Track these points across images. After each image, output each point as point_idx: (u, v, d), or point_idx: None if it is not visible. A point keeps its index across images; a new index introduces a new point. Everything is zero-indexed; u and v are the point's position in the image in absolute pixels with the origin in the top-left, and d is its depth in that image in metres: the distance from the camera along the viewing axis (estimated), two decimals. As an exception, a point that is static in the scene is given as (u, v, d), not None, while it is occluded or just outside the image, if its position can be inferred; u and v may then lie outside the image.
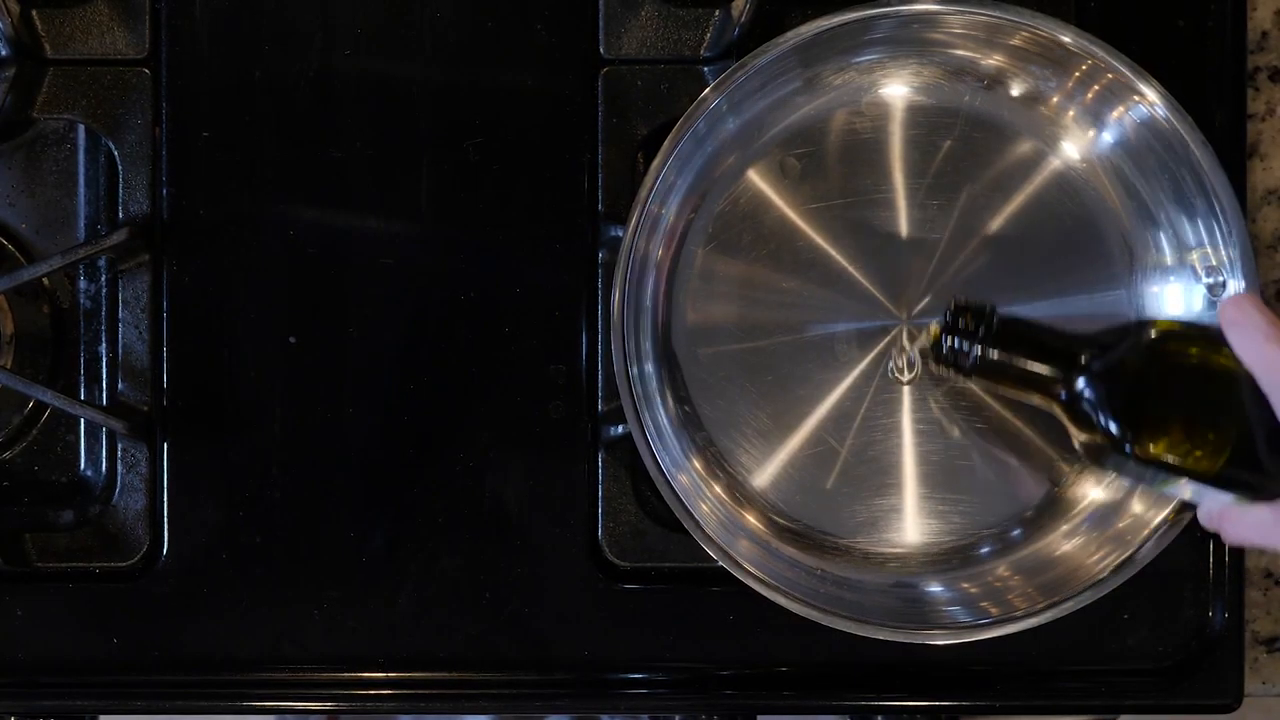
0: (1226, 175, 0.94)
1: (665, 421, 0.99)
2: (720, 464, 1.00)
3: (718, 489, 1.00)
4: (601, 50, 1.01)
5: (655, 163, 0.94)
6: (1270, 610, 1.06)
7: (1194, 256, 0.97)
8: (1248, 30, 1.03)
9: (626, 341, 0.95)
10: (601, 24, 1.01)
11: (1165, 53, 1.01)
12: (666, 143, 0.94)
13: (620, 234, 0.96)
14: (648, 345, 0.99)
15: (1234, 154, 1.02)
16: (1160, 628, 1.02)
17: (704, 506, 0.97)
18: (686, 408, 1.00)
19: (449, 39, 1.01)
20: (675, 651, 1.01)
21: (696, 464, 0.99)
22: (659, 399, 0.99)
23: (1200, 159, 0.94)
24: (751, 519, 1.00)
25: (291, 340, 1.01)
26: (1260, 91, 1.05)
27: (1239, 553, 1.02)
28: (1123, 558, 0.95)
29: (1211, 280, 0.96)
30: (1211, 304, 0.96)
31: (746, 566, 0.95)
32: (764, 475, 1.00)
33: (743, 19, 0.98)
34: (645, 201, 0.94)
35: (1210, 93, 1.01)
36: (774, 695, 1.02)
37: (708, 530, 0.94)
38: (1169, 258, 0.99)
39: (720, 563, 0.94)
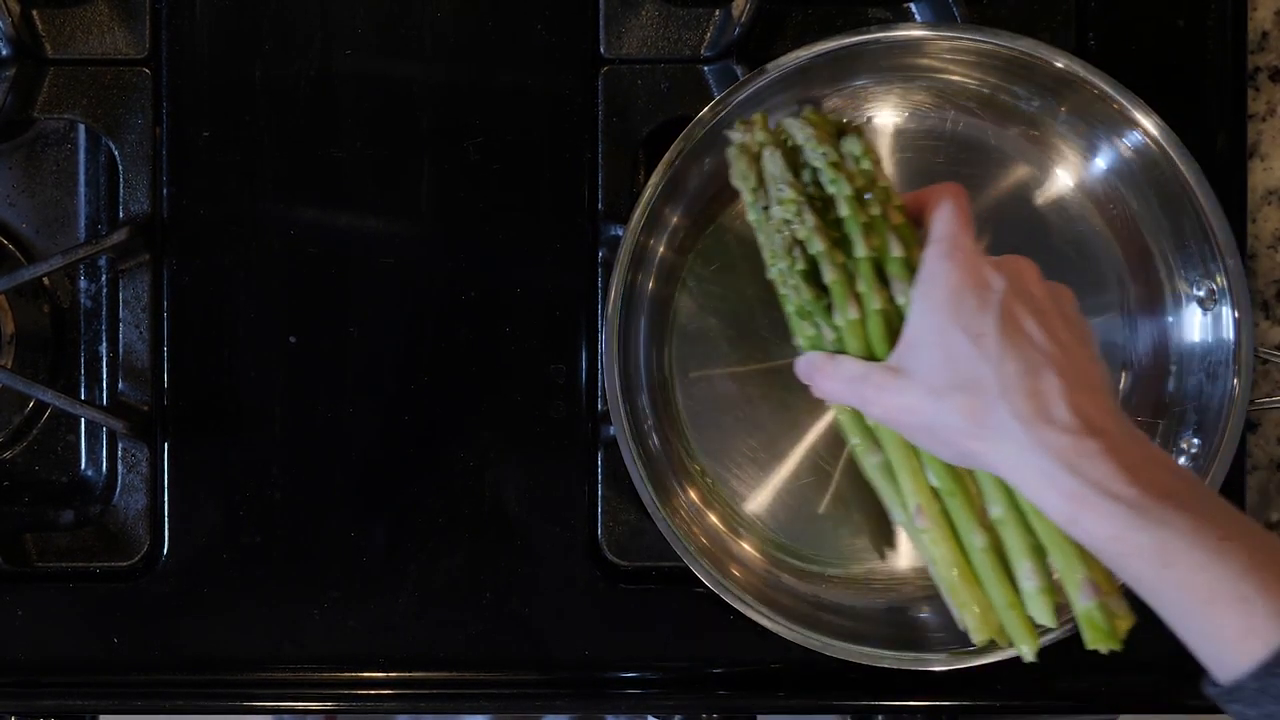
0: (1217, 197, 0.94)
1: (658, 450, 0.99)
2: (714, 491, 1.00)
3: (713, 517, 0.99)
4: (601, 50, 1.01)
5: (652, 180, 0.94)
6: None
7: (1188, 279, 0.97)
8: (1248, 30, 1.03)
9: (619, 377, 0.94)
10: (601, 24, 1.01)
11: (1166, 53, 1.01)
12: (663, 162, 0.94)
13: (620, 233, 0.96)
14: (641, 376, 0.99)
15: (1234, 154, 1.02)
16: (1160, 628, 1.01)
17: (698, 532, 0.97)
18: (680, 435, 1.00)
19: (449, 39, 1.01)
20: (675, 651, 1.01)
21: (691, 493, 0.99)
22: (653, 427, 0.99)
23: (1191, 182, 0.94)
24: (747, 546, 1.00)
25: (291, 340, 1.01)
26: (1260, 91, 1.05)
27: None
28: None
29: (1202, 292, 0.96)
30: (1205, 314, 0.96)
31: (744, 598, 0.95)
32: (757, 501, 1.00)
33: (743, 19, 0.98)
34: (636, 234, 0.94)
35: (1211, 94, 1.01)
36: (773, 695, 1.02)
37: (705, 566, 0.95)
38: (1163, 279, 0.99)
39: (718, 593, 0.94)
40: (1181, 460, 0.96)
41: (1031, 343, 0.81)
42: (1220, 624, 0.76)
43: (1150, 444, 0.82)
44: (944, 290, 0.83)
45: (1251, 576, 0.76)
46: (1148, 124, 0.94)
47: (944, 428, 0.83)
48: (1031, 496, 0.81)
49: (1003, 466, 0.82)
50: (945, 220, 0.85)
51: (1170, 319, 0.99)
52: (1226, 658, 0.77)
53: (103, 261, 1.02)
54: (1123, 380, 0.99)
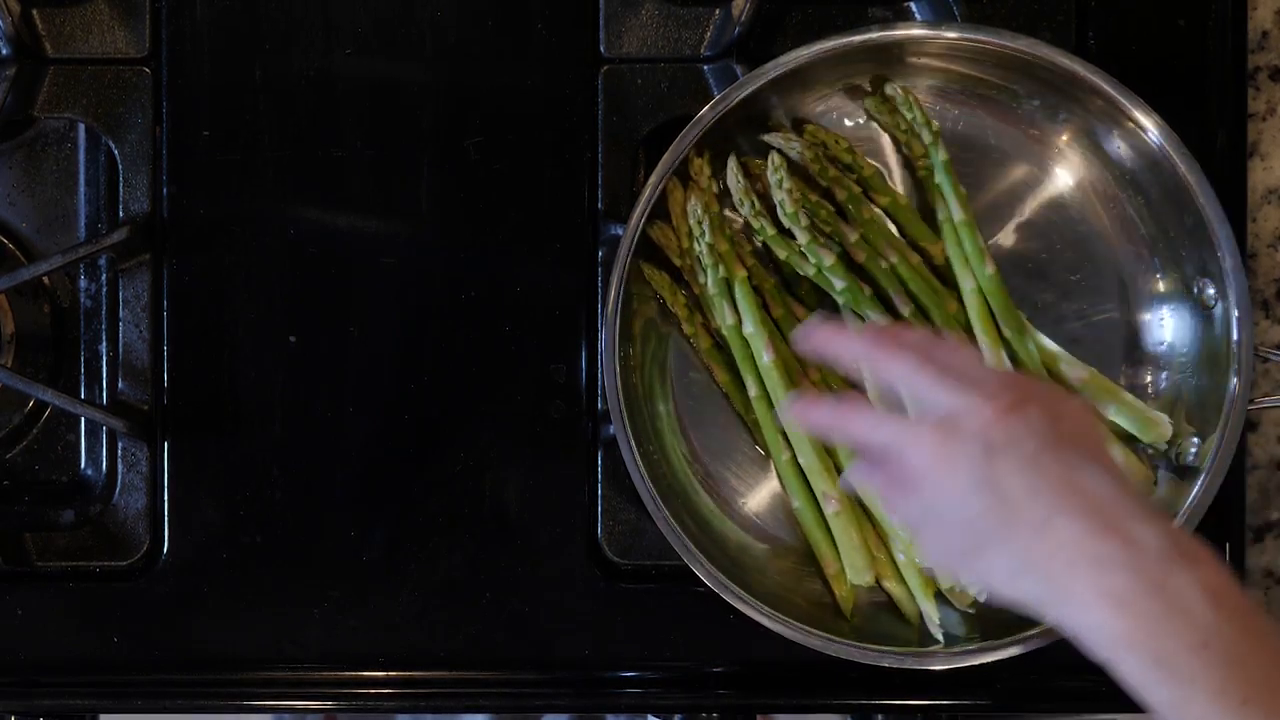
0: (1217, 196, 0.94)
1: (658, 451, 0.99)
2: (715, 491, 1.00)
3: (712, 517, 0.99)
4: (602, 49, 1.01)
5: (651, 179, 0.94)
6: (1270, 609, 1.06)
7: (1188, 279, 0.97)
8: (1248, 30, 1.03)
9: (619, 377, 0.95)
10: (602, 23, 1.01)
11: (1166, 53, 1.01)
12: (663, 162, 0.94)
13: (620, 233, 0.96)
14: (641, 376, 0.99)
15: (1234, 154, 1.01)
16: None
17: (698, 531, 0.97)
18: (680, 435, 1.00)
19: (449, 39, 1.01)
20: (675, 650, 1.01)
21: (691, 492, 0.99)
22: (653, 427, 0.99)
23: (1191, 182, 0.93)
24: (746, 545, 1.00)
25: (292, 340, 1.01)
26: (1260, 91, 1.05)
27: (1239, 553, 1.02)
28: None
29: (1202, 292, 0.96)
30: (1205, 313, 0.96)
31: (745, 597, 0.95)
32: (757, 501, 1.00)
33: (743, 18, 0.98)
34: (636, 234, 0.94)
35: (1211, 94, 1.01)
36: (773, 695, 1.02)
37: (705, 565, 0.95)
38: (1163, 280, 0.99)
39: (718, 592, 0.94)
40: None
41: (1023, 502, 0.78)
42: None
43: (1188, 550, 0.76)
44: (921, 486, 0.81)
45: None
46: (1148, 124, 0.94)
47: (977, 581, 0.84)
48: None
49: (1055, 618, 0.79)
50: (866, 429, 0.84)
51: (1170, 318, 0.99)
52: None
53: (103, 261, 1.02)
54: (1121, 381, 0.99)
